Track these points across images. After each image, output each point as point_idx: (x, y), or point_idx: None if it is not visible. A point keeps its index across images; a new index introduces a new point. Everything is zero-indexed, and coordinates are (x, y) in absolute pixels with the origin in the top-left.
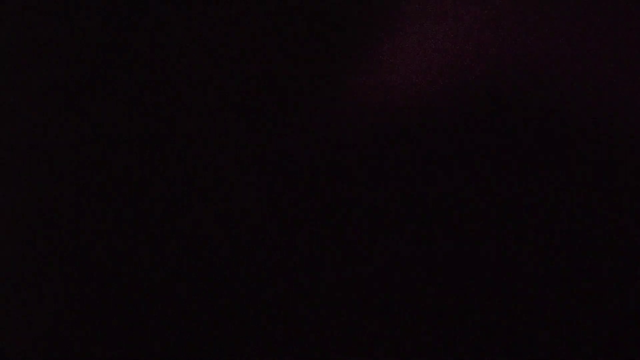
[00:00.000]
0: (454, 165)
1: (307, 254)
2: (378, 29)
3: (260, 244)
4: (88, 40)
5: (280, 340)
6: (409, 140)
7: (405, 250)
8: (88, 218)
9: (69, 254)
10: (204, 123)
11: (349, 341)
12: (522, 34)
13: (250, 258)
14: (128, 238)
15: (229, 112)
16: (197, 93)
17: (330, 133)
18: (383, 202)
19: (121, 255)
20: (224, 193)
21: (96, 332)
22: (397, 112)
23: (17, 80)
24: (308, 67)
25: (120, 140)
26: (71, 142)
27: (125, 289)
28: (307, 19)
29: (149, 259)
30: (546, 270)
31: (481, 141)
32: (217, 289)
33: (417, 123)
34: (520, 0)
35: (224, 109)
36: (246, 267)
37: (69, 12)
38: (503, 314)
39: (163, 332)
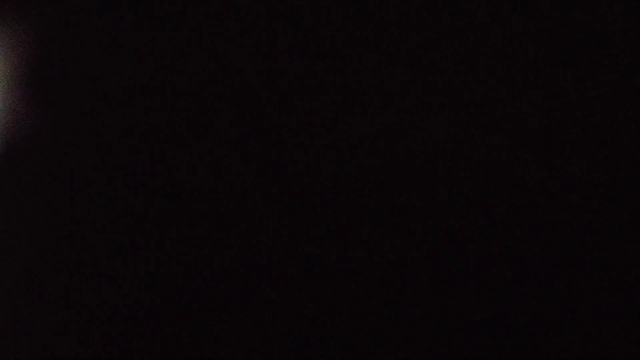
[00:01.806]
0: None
1: (308, 253)
2: None
3: (260, 243)
4: (89, 40)
5: (279, 340)
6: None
7: (406, 249)
8: (88, 218)
9: (67, 256)
10: (203, 122)
11: (347, 342)
12: None
13: (250, 257)
14: (126, 238)
15: (229, 112)
16: (196, 92)
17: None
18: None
19: (119, 256)
20: (223, 192)
21: (94, 334)
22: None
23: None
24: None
25: (119, 140)
26: (69, 142)
27: (122, 290)
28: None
29: (147, 259)
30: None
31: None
32: (215, 289)
33: None
34: None
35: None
36: (246, 266)
37: (68, 11)
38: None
39: (162, 332)
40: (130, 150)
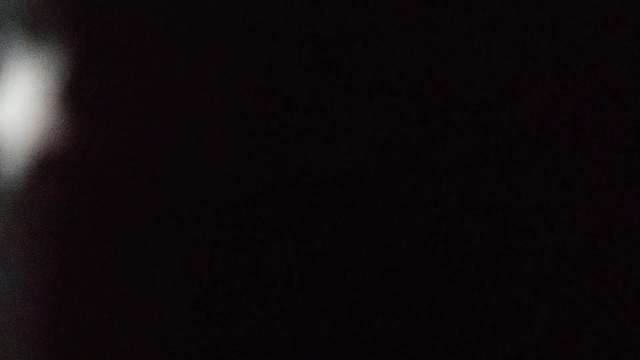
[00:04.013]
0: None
1: (308, 255)
2: None
3: (260, 246)
4: (127, 54)
5: (278, 342)
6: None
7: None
8: (118, 229)
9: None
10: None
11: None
12: None
13: (250, 259)
14: (126, 239)
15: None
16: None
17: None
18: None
19: (119, 256)
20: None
21: (93, 334)
22: None
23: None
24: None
25: (119, 140)
26: (68, 142)
27: (121, 291)
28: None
29: (148, 260)
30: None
31: None
32: (216, 291)
33: None
34: None
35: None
36: (246, 268)
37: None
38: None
39: (160, 334)
40: (164, 162)
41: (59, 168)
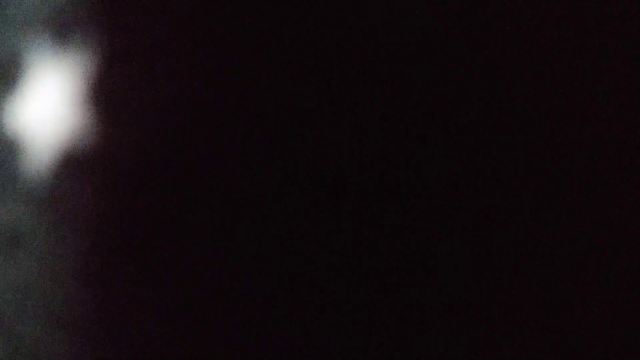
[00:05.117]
0: None
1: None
2: None
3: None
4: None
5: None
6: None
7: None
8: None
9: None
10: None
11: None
12: None
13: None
14: (150, 233)
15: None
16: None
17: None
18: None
19: (143, 249)
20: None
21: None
22: None
23: None
24: None
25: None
26: (94, 140)
27: (145, 281)
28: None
29: (150, 262)
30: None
31: None
32: (217, 292)
33: None
34: None
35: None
36: (247, 270)
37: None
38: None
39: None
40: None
41: (85, 165)
